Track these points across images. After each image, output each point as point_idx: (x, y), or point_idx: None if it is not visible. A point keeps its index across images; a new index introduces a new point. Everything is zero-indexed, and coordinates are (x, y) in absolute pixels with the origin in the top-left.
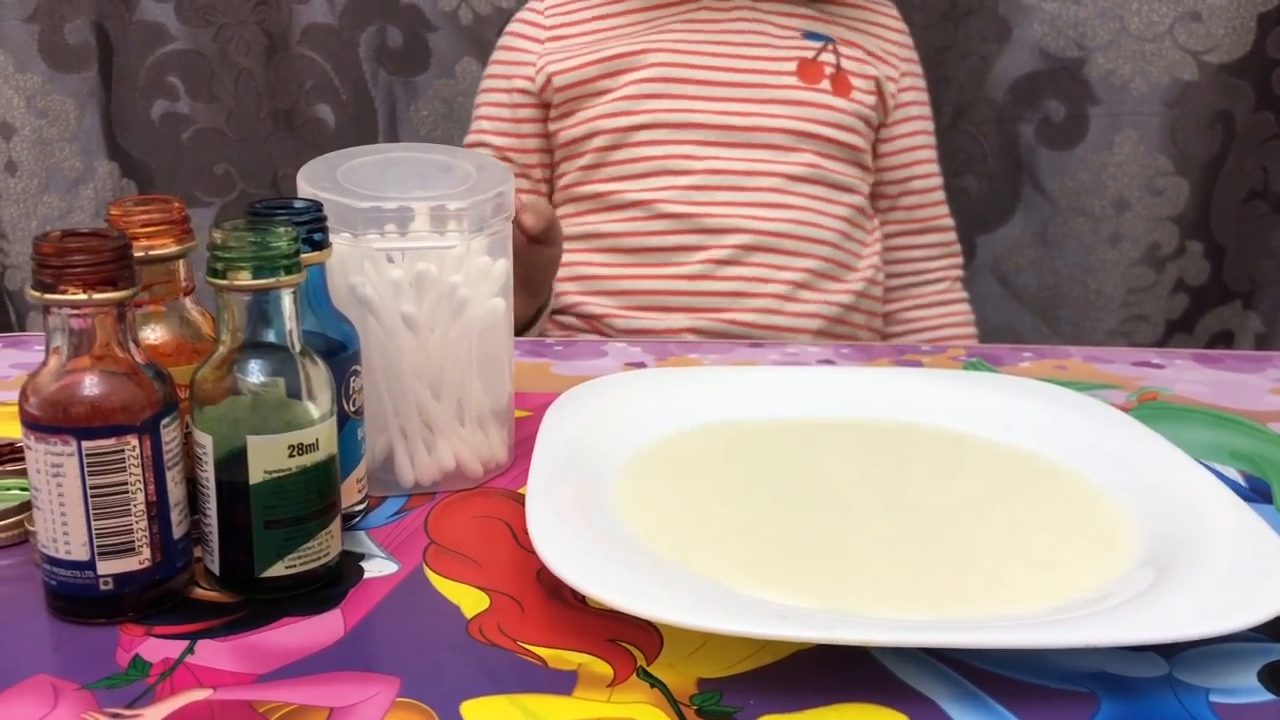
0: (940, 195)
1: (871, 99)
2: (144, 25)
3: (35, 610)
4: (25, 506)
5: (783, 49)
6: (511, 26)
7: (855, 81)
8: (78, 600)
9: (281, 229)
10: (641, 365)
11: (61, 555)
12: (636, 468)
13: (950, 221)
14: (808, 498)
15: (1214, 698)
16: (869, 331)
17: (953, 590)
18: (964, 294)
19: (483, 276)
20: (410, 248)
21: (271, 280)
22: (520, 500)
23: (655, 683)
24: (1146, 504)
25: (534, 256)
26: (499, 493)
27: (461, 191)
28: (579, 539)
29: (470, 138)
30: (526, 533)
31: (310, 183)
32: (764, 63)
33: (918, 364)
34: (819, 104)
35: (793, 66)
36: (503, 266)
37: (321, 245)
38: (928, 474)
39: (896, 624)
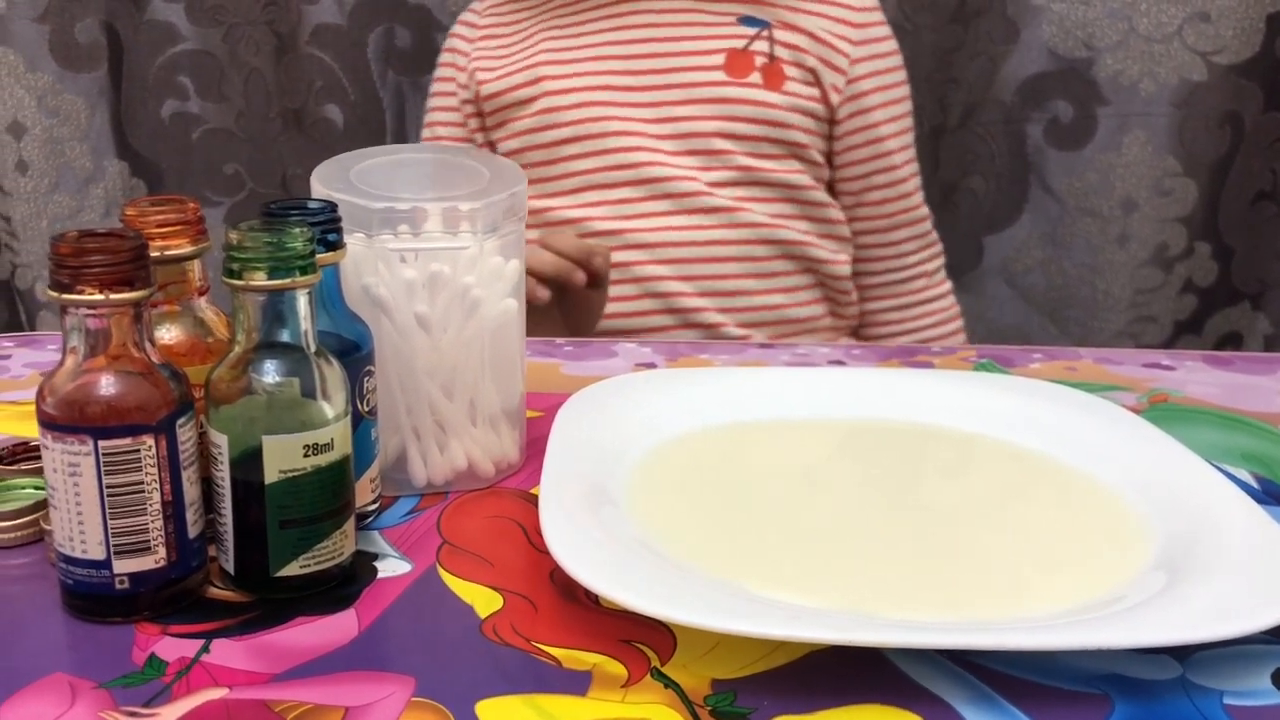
0: (910, 186)
1: (811, 90)
2: (154, 25)
3: (51, 609)
4: (41, 505)
5: (712, 40)
6: (453, 27)
7: (790, 71)
8: (94, 599)
9: (297, 229)
10: (652, 366)
11: (78, 554)
12: (648, 468)
13: (925, 212)
14: (820, 499)
15: (1228, 700)
16: (833, 332)
17: (966, 592)
18: (944, 288)
19: (495, 277)
20: (423, 248)
21: (287, 281)
22: (532, 500)
23: (669, 683)
24: (1158, 506)
25: (590, 302)
26: (511, 493)
27: (474, 192)
28: (591, 539)
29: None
30: (539, 533)
31: (324, 183)
32: (690, 58)
33: (929, 365)
34: (747, 100)
35: (720, 60)
36: (515, 267)
37: (336, 246)
38: (939, 475)
39: (910, 625)
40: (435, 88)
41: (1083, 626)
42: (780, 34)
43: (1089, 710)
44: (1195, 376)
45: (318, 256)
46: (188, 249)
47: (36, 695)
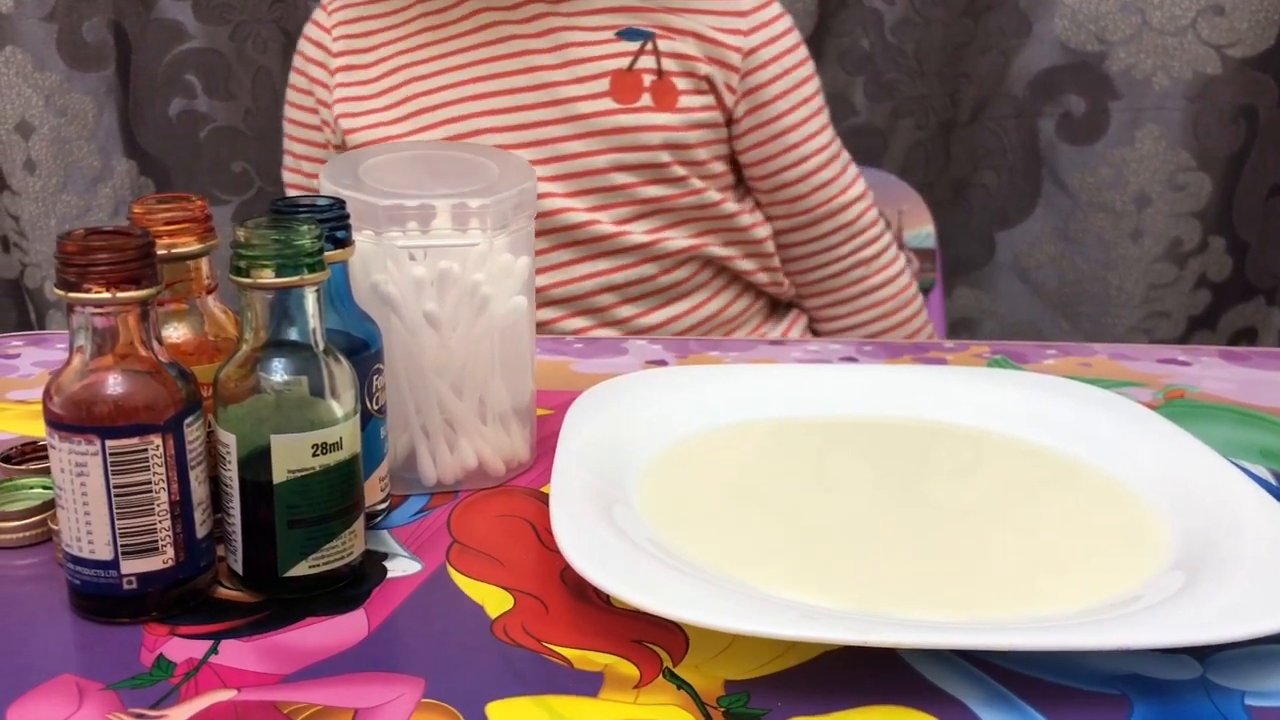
0: (827, 175)
1: (705, 99)
2: (161, 23)
3: (59, 610)
4: (49, 505)
5: (593, 62)
6: (301, 47)
7: (680, 84)
8: (101, 600)
9: (305, 227)
10: (662, 363)
11: (85, 554)
12: (659, 466)
13: (852, 196)
14: (833, 497)
15: (1249, 701)
16: (775, 318)
17: (981, 591)
18: (887, 274)
19: (505, 274)
20: (432, 245)
21: (295, 278)
22: (543, 499)
23: (682, 684)
24: (1176, 503)
25: None
26: (521, 491)
27: (483, 189)
28: (602, 538)
29: (287, 176)
30: (550, 532)
31: (332, 180)
32: (573, 86)
33: (942, 361)
34: (640, 126)
35: (605, 85)
36: (524, 264)
37: (344, 243)
38: (954, 473)
39: (925, 625)
40: (294, 116)
41: (1101, 626)
42: (665, 44)
43: (1108, 711)
44: (1211, 372)
45: (326, 254)
46: (195, 247)
47: (44, 696)
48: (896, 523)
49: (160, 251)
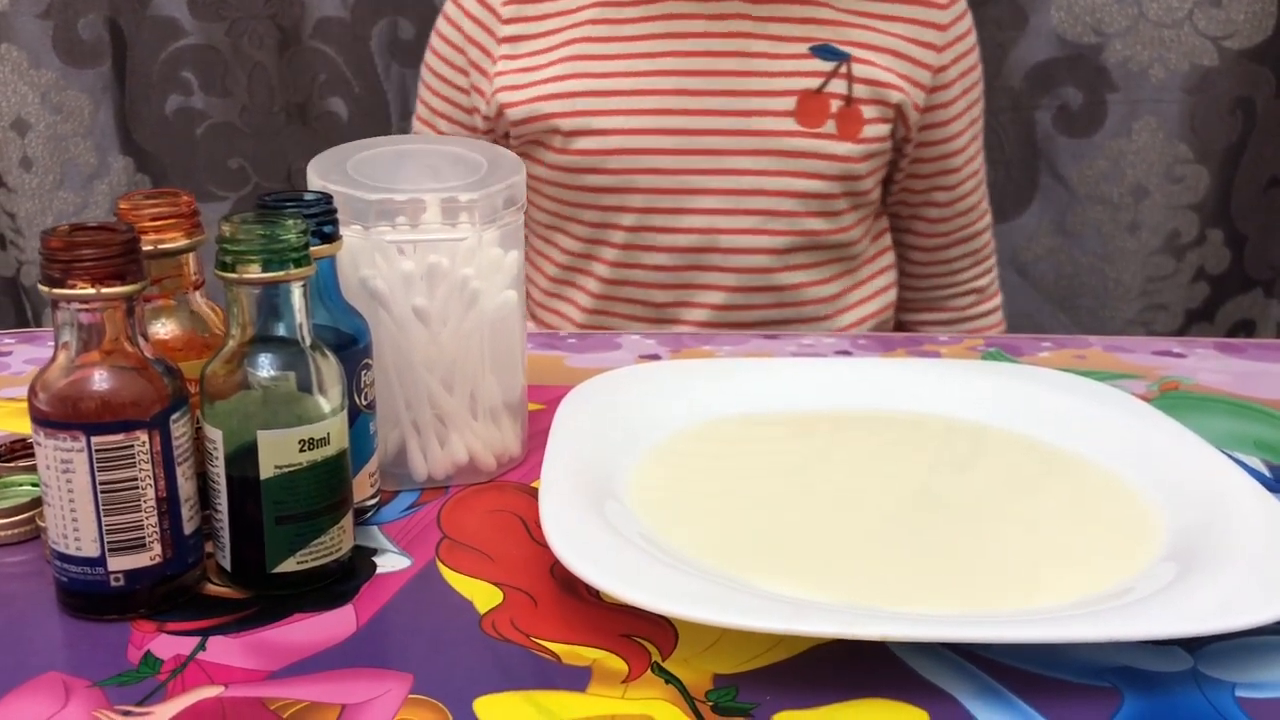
0: (972, 201)
1: (886, 129)
2: (157, 20)
3: (48, 607)
4: (37, 503)
5: (782, 77)
6: (464, 2)
7: (867, 113)
8: (89, 597)
9: (290, 221)
10: (656, 358)
11: (72, 551)
12: (651, 461)
13: (985, 224)
14: (825, 491)
15: (1240, 693)
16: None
17: (973, 584)
18: (992, 304)
19: (495, 268)
20: (422, 240)
21: (281, 273)
22: (534, 494)
23: (670, 679)
24: (1169, 495)
25: None
26: (512, 486)
27: (473, 183)
28: (593, 533)
29: (418, 125)
30: (540, 527)
31: (320, 175)
32: (757, 99)
33: (935, 354)
34: (819, 154)
35: (791, 104)
36: (514, 258)
37: (332, 238)
38: (946, 466)
39: (916, 618)
40: (438, 69)
41: (1092, 619)
42: (860, 68)
43: (1098, 704)
44: (1206, 364)
45: (313, 249)
46: (182, 242)
47: (30, 694)
48: (888, 516)
49: (147, 247)
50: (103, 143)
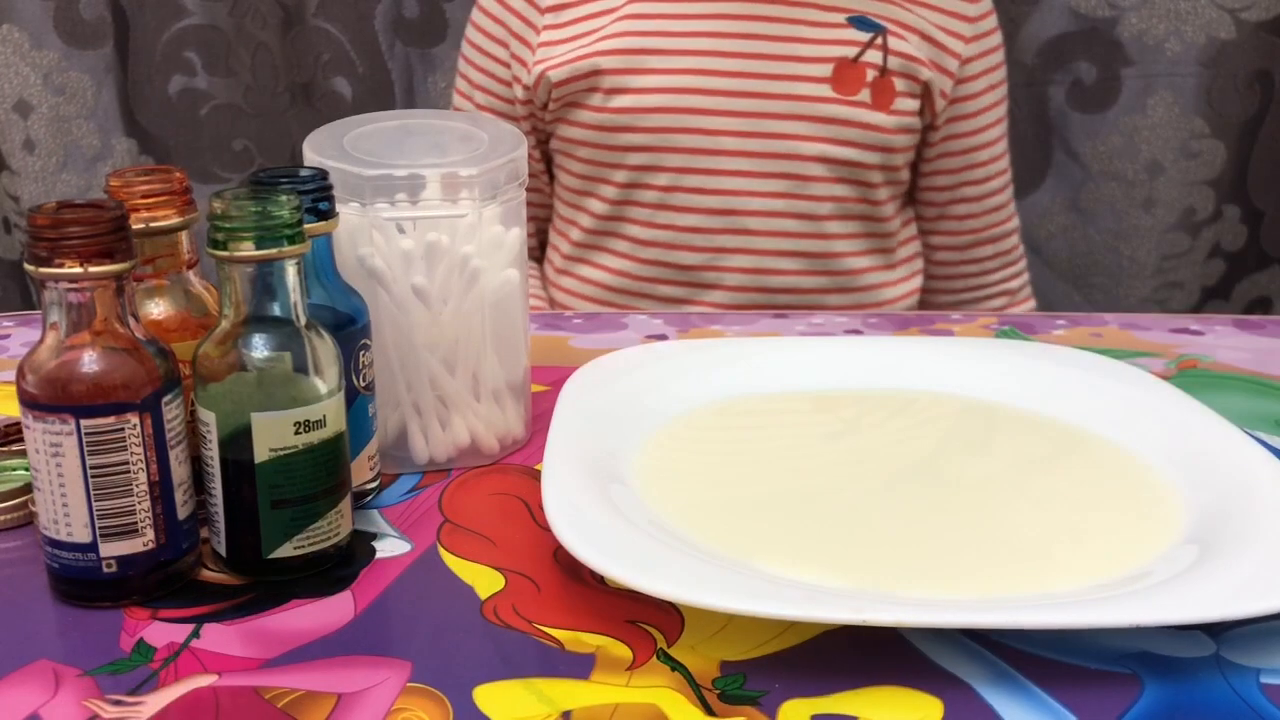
0: (1001, 199)
1: (915, 104)
2: (160, 0)
3: (41, 593)
4: (30, 487)
5: (820, 44)
6: None
7: (899, 86)
8: (81, 583)
9: (284, 197)
10: (662, 337)
11: (63, 537)
12: (657, 442)
13: (1014, 225)
14: (835, 472)
15: (1265, 679)
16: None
17: (987, 568)
18: (1026, 307)
19: (496, 246)
20: (421, 217)
21: (274, 250)
22: (537, 477)
23: (676, 665)
24: (1189, 476)
25: None
26: (515, 469)
27: (473, 158)
28: (597, 517)
29: (458, 100)
30: (543, 510)
31: (316, 151)
32: (795, 64)
33: (948, 333)
34: (854, 121)
35: (827, 71)
36: (516, 235)
37: (327, 215)
38: (960, 446)
39: (929, 604)
40: (478, 42)
41: (1111, 603)
42: (894, 42)
43: (1118, 691)
44: (1225, 341)
45: (308, 226)
46: (174, 220)
47: (19, 683)
48: (901, 498)
49: (138, 225)
50: (106, 124)
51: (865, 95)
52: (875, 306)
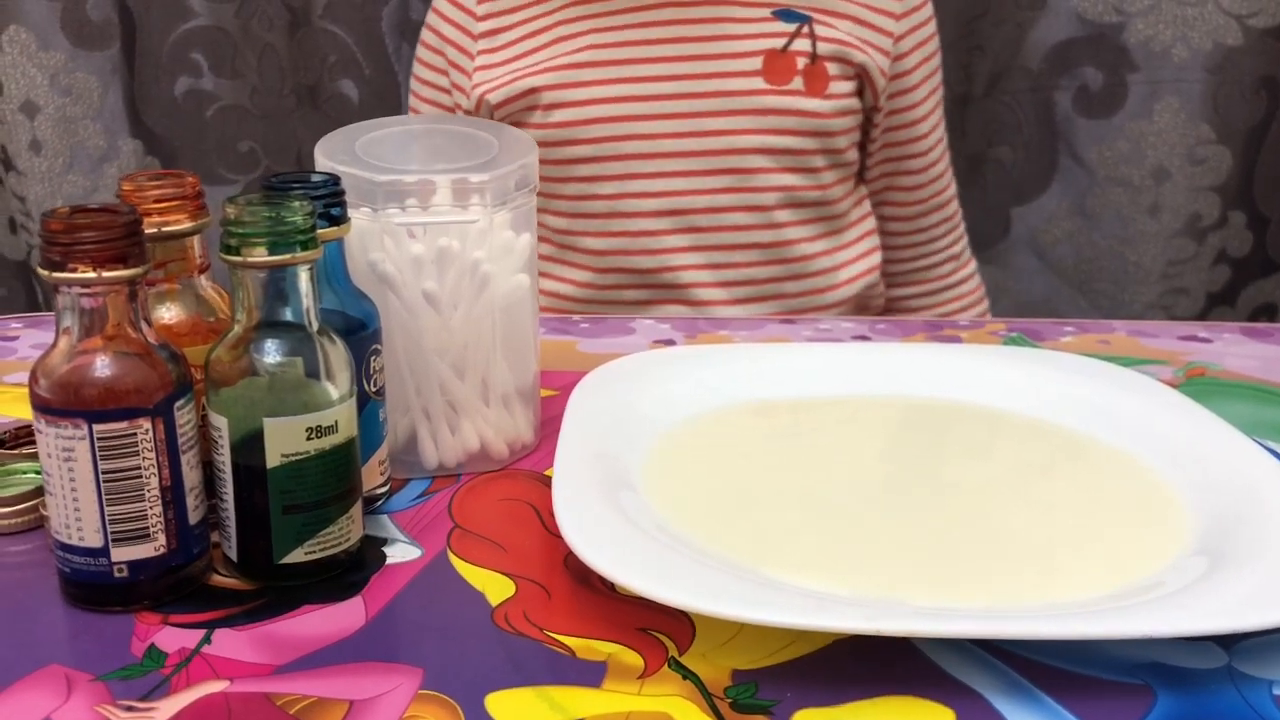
0: (941, 168)
1: (852, 85)
2: (166, 1)
3: (51, 598)
4: (40, 491)
5: (747, 39)
6: (439, 4)
7: (832, 69)
8: (92, 588)
9: (297, 203)
10: (670, 343)
11: (75, 542)
12: (666, 448)
13: (953, 191)
14: (845, 479)
15: (1278, 690)
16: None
17: (998, 577)
18: (970, 268)
19: (506, 251)
20: (432, 222)
21: (287, 256)
22: (547, 482)
23: (688, 674)
24: (1199, 485)
25: None
26: (525, 474)
27: (484, 164)
28: (607, 523)
29: None
30: (553, 516)
31: (328, 156)
32: (726, 62)
33: (956, 339)
34: (789, 110)
35: (758, 64)
36: (526, 241)
37: (339, 220)
38: (970, 454)
39: (940, 613)
40: (423, 75)
41: (1122, 614)
42: (821, 29)
43: (1130, 701)
44: (1233, 349)
45: (320, 231)
46: (187, 225)
47: (31, 688)
48: (911, 506)
49: (150, 230)
50: (112, 125)
51: (798, 83)
52: (831, 290)
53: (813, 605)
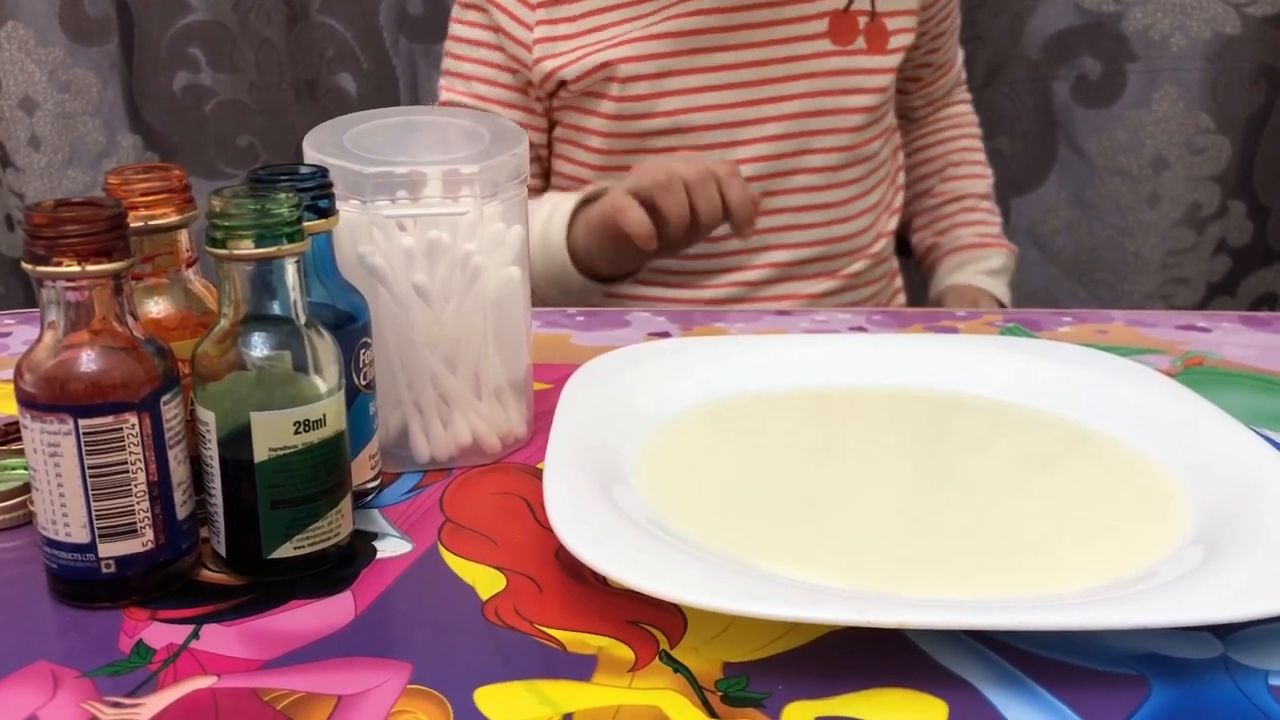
0: (955, 50)
1: (908, 39)
2: None
3: (39, 594)
4: (28, 487)
5: (812, 2)
6: None
7: (891, 25)
8: (79, 584)
9: (283, 195)
10: (665, 335)
11: (61, 538)
12: (660, 441)
13: (961, 57)
14: (839, 471)
15: (1274, 680)
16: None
17: (992, 567)
18: (964, 100)
19: (497, 244)
20: (421, 214)
21: (273, 249)
22: (539, 476)
23: (679, 667)
24: (1196, 475)
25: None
26: (517, 468)
27: (474, 155)
28: (599, 516)
29: (448, 96)
30: (545, 510)
31: (316, 148)
32: (792, 26)
33: (953, 330)
34: (855, 69)
35: (823, 26)
36: (517, 233)
37: (327, 212)
38: (965, 445)
39: (933, 604)
40: (467, 35)
41: (1117, 604)
42: None
43: (1124, 692)
44: (1231, 338)
45: (308, 224)
46: (174, 218)
47: (16, 685)
48: (904, 497)
49: (137, 223)
50: (111, 121)
51: (861, 43)
52: (875, 242)
53: (805, 597)
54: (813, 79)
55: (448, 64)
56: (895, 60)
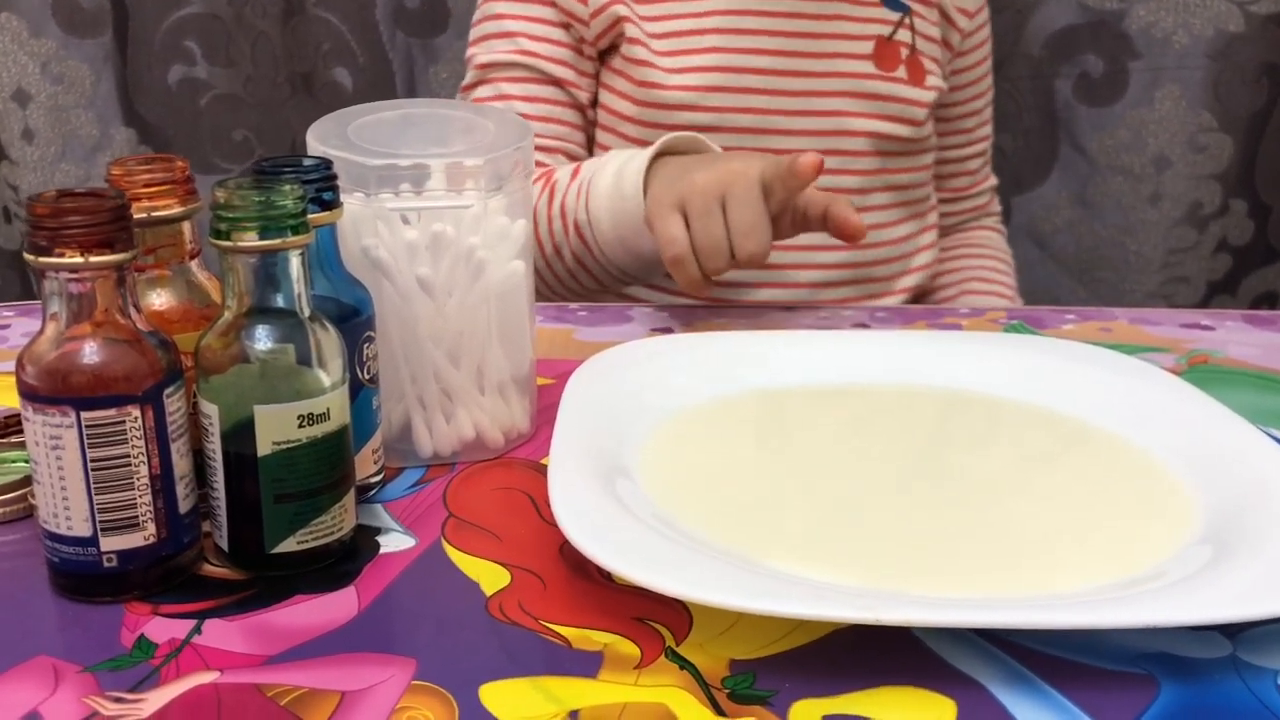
0: (988, 114)
1: (939, 81)
2: None
3: (40, 588)
4: (29, 480)
5: (860, 22)
6: None
7: (927, 64)
8: (81, 578)
9: (287, 187)
10: (668, 331)
11: (63, 531)
12: (664, 437)
13: (990, 134)
14: (845, 468)
15: None
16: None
17: (998, 565)
18: (997, 229)
19: (501, 237)
20: (426, 207)
21: (278, 241)
22: (543, 471)
23: (685, 664)
24: (1202, 474)
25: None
26: (521, 463)
27: (479, 148)
28: (604, 512)
29: (501, 56)
30: (549, 505)
31: (320, 140)
32: (840, 42)
33: (957, 327)
34: (896, 97)
35: (869, 48)
36: (522, 227)
37: (331, 205)
38: (971, 442)
39: (941, 602)
40: (512, 10)
41: (1125, 603)
42: (919, 23)
43: (1133, 691)
44: (1235, 336)
45: (312, 216)
46: (177, 209)
47: (18, 679)
48: (911, 495)
49: (140, 215)
50: (105, 114)
51: (902, 72)
52: (909, 274)
53: (811, 595)
54: (854, 98)
55: (485, 27)
56: (932, 96)
